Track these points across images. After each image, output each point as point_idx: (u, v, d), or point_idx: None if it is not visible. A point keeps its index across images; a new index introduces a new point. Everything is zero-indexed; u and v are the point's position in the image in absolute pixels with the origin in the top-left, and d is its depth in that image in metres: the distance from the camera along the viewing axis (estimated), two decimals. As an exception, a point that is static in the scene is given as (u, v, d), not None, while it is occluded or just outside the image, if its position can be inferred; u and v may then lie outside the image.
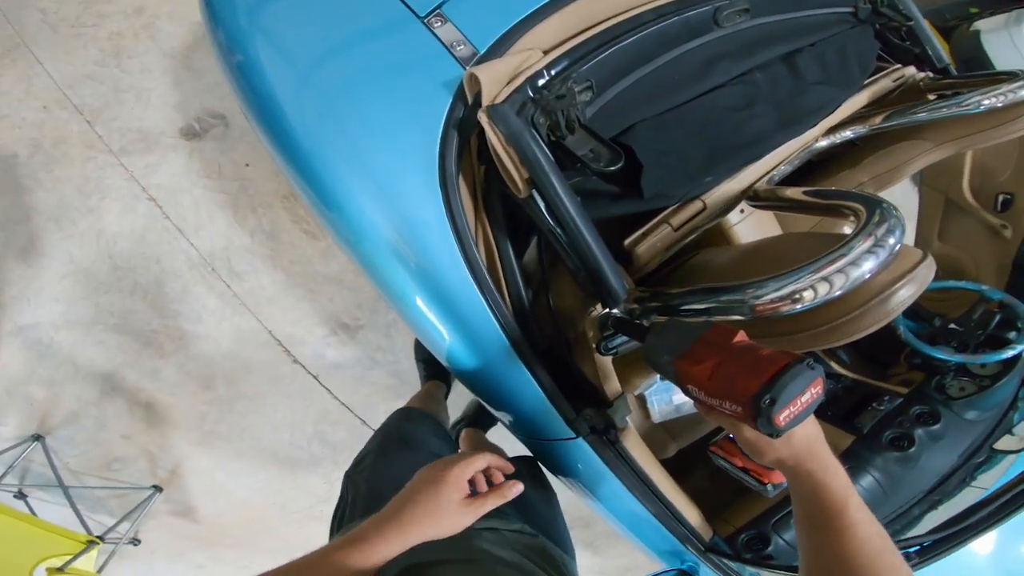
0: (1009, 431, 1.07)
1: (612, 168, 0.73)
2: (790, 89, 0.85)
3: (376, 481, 0.88)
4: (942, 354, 1.09)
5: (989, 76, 0.90)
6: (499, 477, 0.63)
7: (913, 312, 1.23)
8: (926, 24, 1.02)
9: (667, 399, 1.17)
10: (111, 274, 1.62)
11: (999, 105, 0.84)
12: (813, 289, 0.57)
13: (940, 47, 1.04)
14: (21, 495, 1.62)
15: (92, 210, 1.63)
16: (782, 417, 0.47)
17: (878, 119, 0.92)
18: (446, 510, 0.56)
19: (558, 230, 0.74)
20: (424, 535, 0.55)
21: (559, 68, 0.77)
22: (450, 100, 0.78)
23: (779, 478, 0.62)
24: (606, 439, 0.87)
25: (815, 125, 0.88)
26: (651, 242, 0.81)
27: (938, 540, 0.92)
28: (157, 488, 1.64)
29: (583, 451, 0.89)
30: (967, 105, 0.85)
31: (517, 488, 0.61)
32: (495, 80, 0.74)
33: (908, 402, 1.09)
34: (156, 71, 1.72)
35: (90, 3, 1.75)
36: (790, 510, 0.57)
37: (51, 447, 1.62)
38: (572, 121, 0.74)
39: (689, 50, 0.83)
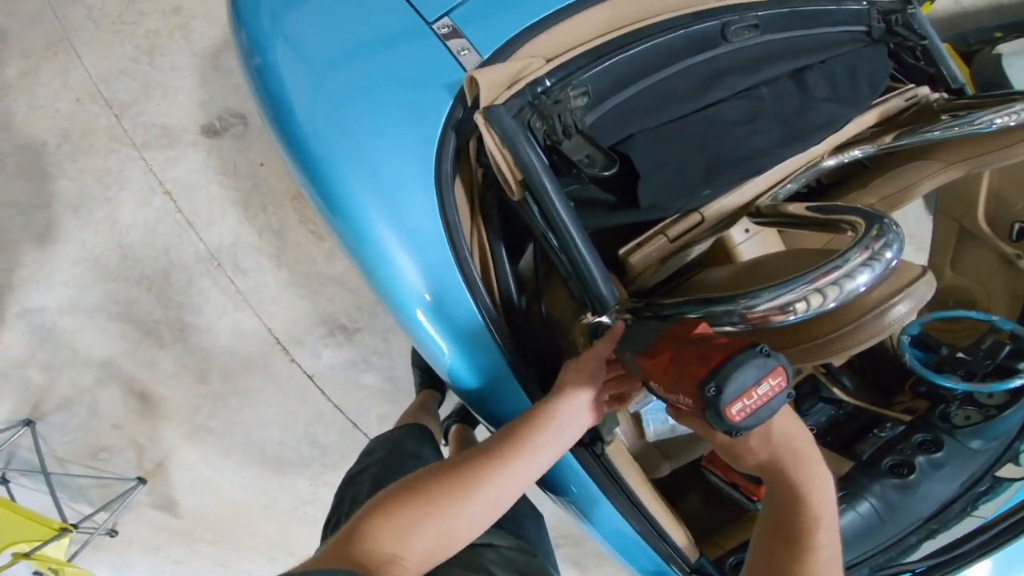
0: (1015, 460, 1.05)
1: (606, 174, 0.74)
2: (796, 105, 0.86)
3: (380, 487, 0.89)
4: (948, 382, 1.07)
5: (1002, 96, 0.89)
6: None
7: (921, 341, 1.20)
8: (941, 44, 1.02)
9: (663, 418, 1.15)
10: (120, 263, 1.69)
11: (1012, 124, 0.83)
12: (806, 301, 0.57)
13: (955, 67, 1.04)
14: (4, 480, 1.65)
15: (109, 200, 1.72)
16: (734, 410, 0.43)
17: (888, 139, 0.92)
18: (589, 378, 0.60)
19: (550, 234, 0.75)
20: (575, 403, 0.59)
21: (561, 75, 0.79)
22: (451, 102, 0.81)
23: None
24: (592, 452, 0.86)
25: (820, 142, 0.88)
26: (646, 252, 0.81)
27: (932, 567, 0.91)
28: (141, 480, 1.67)
29: (569, 463, 0.88)
30: (979, 124, 0.84)
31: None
32: (495, 83, 0.77)
33: (911, 430, 1.07)
34: (185, 70, 1.83)
35: (132, 1, 1.89)
36: None
37: (41, 433, 1.66)
38: (569, 126, 0.76)
39: (695, 63, 0.85)
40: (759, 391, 0.44)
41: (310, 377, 1.70)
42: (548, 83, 0.78)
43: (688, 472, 1.24)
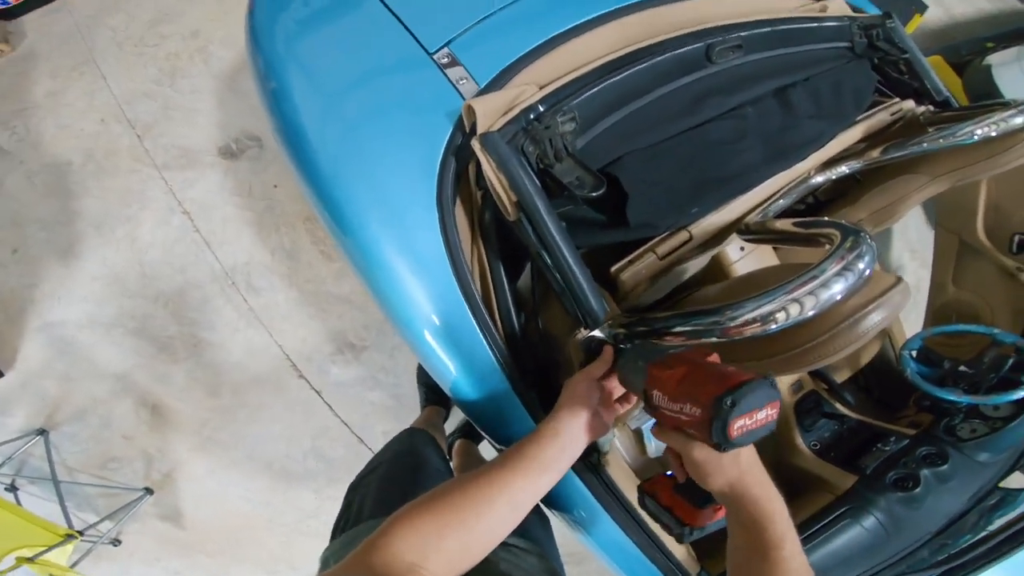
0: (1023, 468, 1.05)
1: (595, 194, 0.79)
2: (780, 123, 0.90)
3: (386, 485, 0.93)
4: (951, 396, 1.08)
5: (985, 107, 0.92)
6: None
7: (924, 356, 1.22)
8: (922, 57, 1.06)
9: (663, 435, 1.18)
10: (139, 280, 1.78)
11: (993, 134, 0.86)
12: (785, 310, 0.61)
13: (938, 79, 1.07)
14: (12, 487, 1.71)
15: (130, 219, 1.83)
16: (736, 426, 0.49)
17: (875, 153, 0.96)
18: (585, 398, 0.66)
19: (544, 253, 0.80)
20: (576, 421, 0.65)
21: (552, 102, 0.85)
22: (451, 129, 0.88)
23: (702, 522, 0.63)
24: (588, 463, 0.89)
25: (804, 159, 0.92)
26: (636, 269, 0.86)
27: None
28: (148, 491, 1.72)
29: (567, 477, 0.91)
30: (961, 136, 0.87)
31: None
32: (491, 111, 0.83)
33: (915, 443, 1.09)
34: (204, 92, 1.95)
35: (154, 24, 2.03)
36: None
37: (53, 442, 1.73)
38: (560, 150, 0.82)
39: (681, 85, 0.90)
40: (759, 415, 0.50)
41: (318, 392, 1.76)
42: (541, 109, 0.85)
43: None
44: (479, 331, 0.88)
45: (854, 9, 1.10)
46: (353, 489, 0.96)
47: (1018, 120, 0.87)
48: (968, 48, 2.27)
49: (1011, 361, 1.11)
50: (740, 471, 0.55)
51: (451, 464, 1.28)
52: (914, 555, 1.00)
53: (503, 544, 0.73)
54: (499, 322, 0.90)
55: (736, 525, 0.57)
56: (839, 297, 0.61)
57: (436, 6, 1.03)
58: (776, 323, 0.62)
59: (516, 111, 0.83)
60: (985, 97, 2.05)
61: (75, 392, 1.75)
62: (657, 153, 0.86)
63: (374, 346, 1.76)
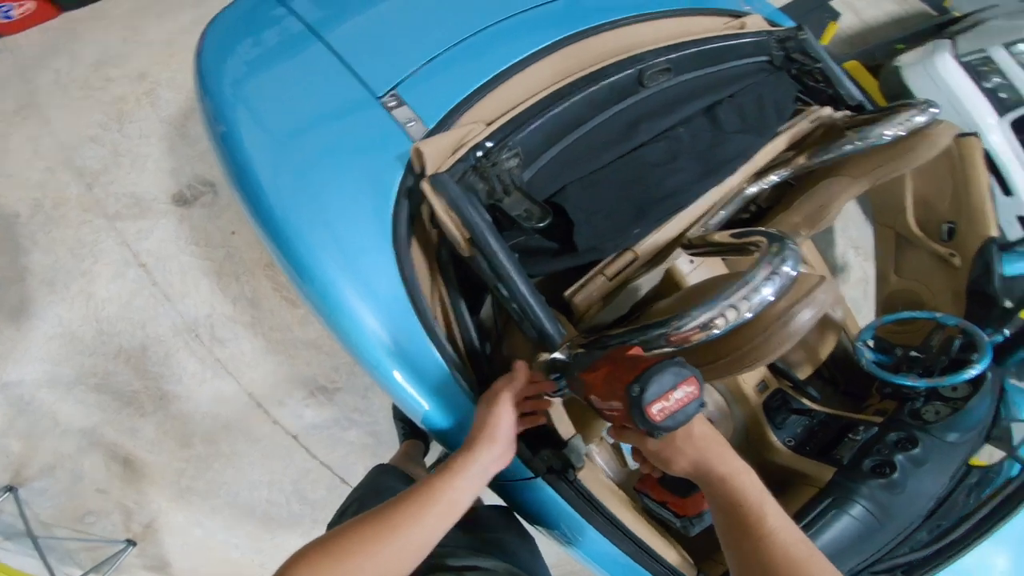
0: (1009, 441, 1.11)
1: (542, 224, 0.86)
2: (711, 140, 0.98)
3: None
4: (908, 381, 1.16)
5: (894, 108, 1.01)
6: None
7: (878, 345, 1.30)
8: (834, 64, 1.15)
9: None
10: (97, 338, 1.75)
11: (902, 134, 0.95)
12: (724, 316, 0.67)
13: (850, 85, 1.17)
14: None
15: (84, 273, 1.80)
16: (655, 409, 0.52)
17: (801, 160, 1.05)
18: (501, 426, 0.69)
19: (500, 284, 0.86)
20: (490, 454, 0.67)
21: (499, 138, 0.91)
22: (402, 172, 0.93)
23: (695, 509, 0.66)
24: (564, 478, 0.94)
25: (735, 172, 1.00)
26: (588, 292, 0.92)
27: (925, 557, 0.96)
28: (131, 542, 1.69)
29: (545, 491, 0.96)
30: (874, 137, 0.96)
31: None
32: (439, 152, 0.89)
33: (884, 429, 1.15)
34: (153, 137, 1.94)
35: (99, 66, 2.01)
36: None
37: (23, 499, 1.69)
38: (508, 184, 0.88)
39: (617, 112, 0.98)
40: (675, 395, 0.53)
41: (294, 437, 1.76)
42: (488, 146, 0.90)
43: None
44: (445, 365, 0.92)
45: (771, 24, 1.20)
46: (331, 528, 0.99)
47: (920, 119, 0.97)
48: (881, 51, 2.49)
49: (958, 342, 1.20)
50: (697, 451, 0.57)
51: None
52: (912, 537, 1.06)
53: (473, 568, 0.75)
54: (464, 354, 0.94)
55: (716, 511, 0.58)
56: (771, 298, 0.67)
57: (382, 49, 1.07)
58: (718, 328, 0.68)
59: (464, 150, 0.89)
60: (899, 97, 2.24)
61: (40, 449, 1.72)
62: (598, 180, 0.92)
63: (346, 388, 1.79)
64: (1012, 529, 1.09)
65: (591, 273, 0.93)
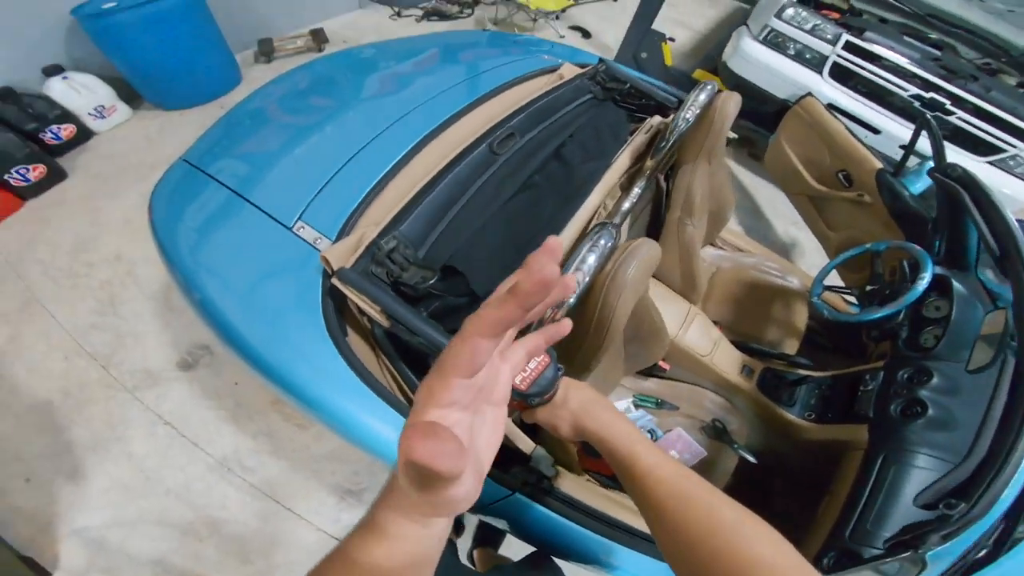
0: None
1: (434, 281, 1.04)
2: (563, 176, 1.18)
3: None
4: (874, 314, 1.18)
5: (687, 95, 1.13)
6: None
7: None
8: (642, 80, 1.33)
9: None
10: (145, 484, 2.00)
11: (699, 111, 1.10)
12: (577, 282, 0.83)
13: (663, 92, 1.31)
14: None
15: (120, 438, 2.06)
16: (517, 380, 0.57)
17: (648, 165, 1.23)
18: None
19: (423, 342, 1.05)
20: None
21: (390, 231, 1.12)
22: (321, 279, 1.15)
23: (609, 469, 0.72)
24: (541, 488, 1.06)
25: (590, 194, 1.17)
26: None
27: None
28: None
29: (526, 504, 1.07)
30: (682, 124, 1.13)
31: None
32: (342, 255, 1.09)
33: (889, 370, 1.14)
34: (145, 314, 2.23)
35: (77, 252, 2.27)
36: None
37: None
38: (403, 262, 1.09)
39: (483, 183, 1.18)
40: (529, 366, 0.60)
41: (338, 540, 1.92)
42: (381, 241, 1.11)
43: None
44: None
45: (580, 66, 1.41)
46: None
47: (702, 97, 1.13)
48: (717, 53, 2.72)
49: (906, 263, 1.23)
50: (572, 414, 0.61)
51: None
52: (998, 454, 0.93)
53: None
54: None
55: (617, 475, 0.58)
56: (595, 264, 0.84)
57: (285, 190, 1.28)
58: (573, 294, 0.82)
59: (363, 248, 1.09)
60: (740, 88, 2.43)
61: (121, 580, 1.87)
62: (482, 237, 1.12)
63: (370, 487, 2.00)
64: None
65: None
